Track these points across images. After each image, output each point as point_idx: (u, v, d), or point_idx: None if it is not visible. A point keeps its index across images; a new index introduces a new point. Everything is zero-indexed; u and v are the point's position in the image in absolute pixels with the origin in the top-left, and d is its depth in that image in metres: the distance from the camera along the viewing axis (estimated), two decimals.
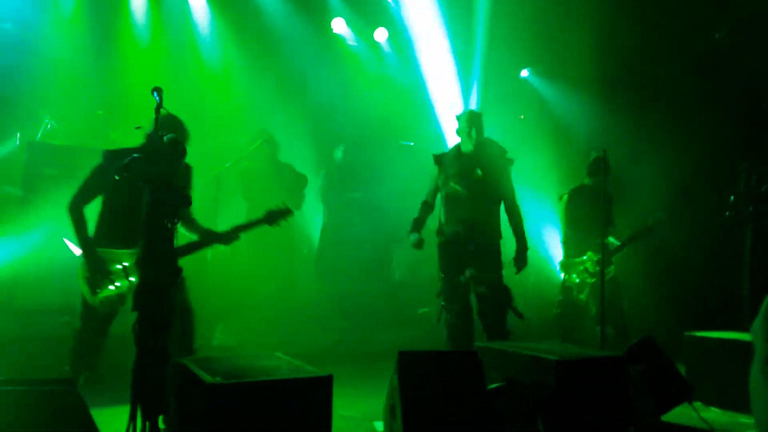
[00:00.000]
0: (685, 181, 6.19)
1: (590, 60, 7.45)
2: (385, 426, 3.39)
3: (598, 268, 5.31)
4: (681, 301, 6.27)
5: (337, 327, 6.57)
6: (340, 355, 5.36)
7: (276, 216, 4.16)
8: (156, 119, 3.17)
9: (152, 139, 3.17)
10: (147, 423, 2.86)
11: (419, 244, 4.67)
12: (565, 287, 5.72)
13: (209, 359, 3.11)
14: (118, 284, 3.81)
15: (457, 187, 4.50)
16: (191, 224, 4.10)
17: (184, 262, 3.26)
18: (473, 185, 4.48)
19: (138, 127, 3.64)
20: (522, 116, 8.85)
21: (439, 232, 4.64)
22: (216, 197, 6.00)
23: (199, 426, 2.69)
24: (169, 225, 3.09)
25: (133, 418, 2.83)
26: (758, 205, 4.82)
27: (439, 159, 4.70)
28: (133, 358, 2.91)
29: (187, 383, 2.87)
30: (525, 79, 8.75)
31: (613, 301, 5.34)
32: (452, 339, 4.58)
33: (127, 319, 3.15)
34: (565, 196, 5.87)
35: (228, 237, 4.04)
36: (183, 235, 3.94)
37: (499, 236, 4.65)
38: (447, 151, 4.76)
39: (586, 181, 5.84)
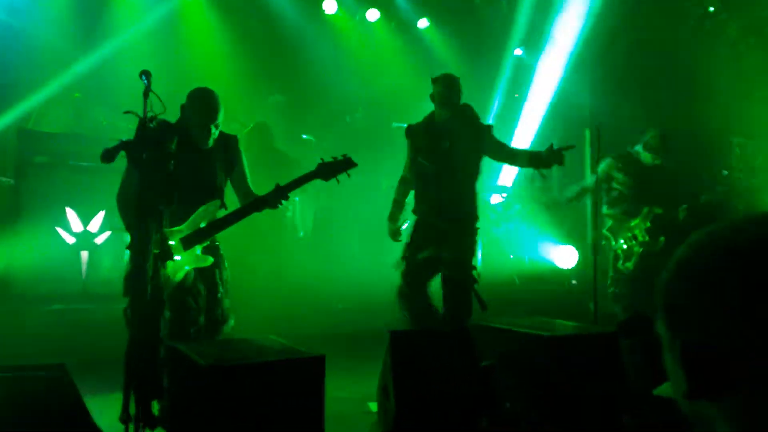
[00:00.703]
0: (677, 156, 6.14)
1: (583, 36, 7.41)
2: (379, 406, 3.41)
3: (648, 238, 5.23)
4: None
5: (333, 309, 6.58)
6: (334, 337, 5.37)
7: (332, 169, 3.63)
8: (144, 103, 3.13)
9: (141, 123, 3.14)
10: (140, 408, 2.87)
11: (395, 236, 4.29)
12: (613, 254, 5.42)
13: (202, 342, 3.12)
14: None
15: (425, 162, 4.11)
16: (246, 195, 3.81)
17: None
18: (440, 159, 4.06)
19: (126, 112, 3.61)
20: (517, 95, 8.81)
21: (414, 210, 4.27)
22: None
23: (193, 409, 2.71)
24: (161, 208, 3.08)
25: (126, 403, 2.84)
26: (751, 179, 4.83)
27: (410, 131, 4.28)
28: (125, 343, 2.91)
29: (180, 367, 2.88)
30: (519, 57, 8.70)
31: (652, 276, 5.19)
32: (406, 309, 4.22)
33: (119, 305, 3.14)
34: (609, 159, 5.52)
35: (275, 198, 3.60)
36: None
37: (475, 216, 4.20)
38: (419, 122, 4.29)
39: (639, 149, 5.52)
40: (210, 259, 3.59)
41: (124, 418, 2.82)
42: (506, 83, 8.59)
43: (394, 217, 4.26)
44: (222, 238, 6.01)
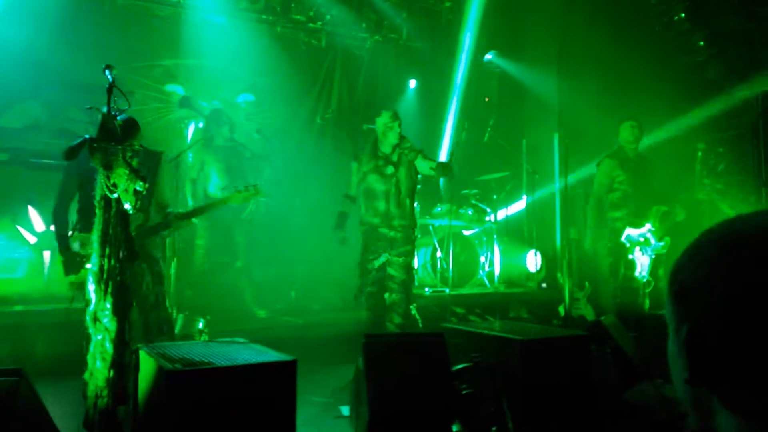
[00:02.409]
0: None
1: (552, 40, 7.49)
2: (352, 410, 3.36)
3: (660, 242, 5.13)
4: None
5: (305, 311, 6.52)
6: (307, 340, 5.31)
7: (243, 197, 4.18)
8: (108, 99, 3.04)
9: (105, 118, 3.05)
10: (104, 412, 2.78)
11: (344, 241, 5.03)
12: (627, 263, 5.22)
13: (169, 346, 3.03)
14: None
15: (374, 184, 4.90)
16: (160, 209, 4.02)
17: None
18: (387, 180, 4.89)
19: (89, 108, 3.50)
20: (487, 98, 8.88)
21: (361, 222, 4.99)
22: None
23: (159, 414, 2.62)
24: (129, 210, 2.99)
25: (88, 408, 2.75)
26: (714, 185, 4.92)
27: (356, 156, 5.09)
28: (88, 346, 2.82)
29: (145, 371, 2.79)
30: (489, 61, 8.76)
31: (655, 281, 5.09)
32: (370, 318, 4.87)
33: (82, 308, 3.04)
34: (607, 159, 5.49)
35: (176, 223, 3.99)
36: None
37: (413, 225, 4.99)
38: (364, 147, 5.11)
39: (621, 144, 5.50)
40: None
41: (89, 424, 2.73)
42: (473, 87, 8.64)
43: (342, 225, 5.03)
44: (190, 238, 5.87)
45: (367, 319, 4.86)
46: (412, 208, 5.01)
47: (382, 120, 4.96)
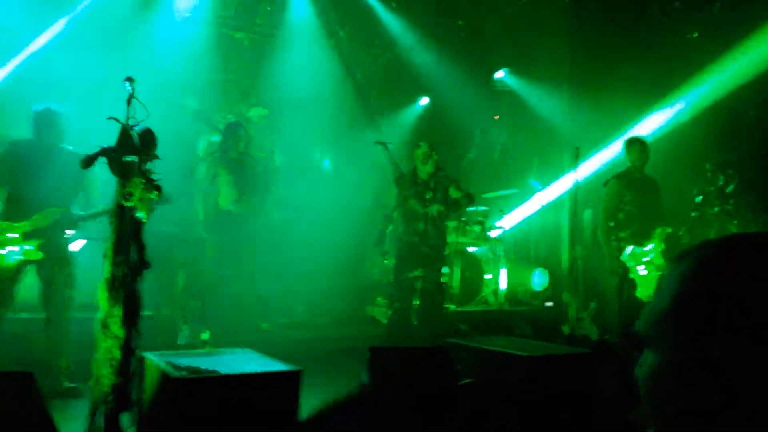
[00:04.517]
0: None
1: (561, 59, 7.54)
2: None
3: (663, 262, 5.10)
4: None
5: (311, 324, 6.53)
6: (312, 352, 5.31)
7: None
8: (127, 109, 3.11)
9: (123, 129, 3.11)
10: (108, 419, 2.79)
11: (385, 254, 5.97)
12: (629, 281, 5.21)
13: (175, 354, 3.05)
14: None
15: (415, 207, 5.52)
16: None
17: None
18: (426, 204, 5.52)
19: (110, 118, 3.56)
20: (497, 116, 8.92)
21: (399, 239, 5.68)
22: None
23: (164, 421, 2.64)
24: (140, 217, 3.04)
25: (93, 413, 2.77)
26: (724, 205, 4.91)
27: (398, 181, 5.68)
28: (95, 353, 2.84)
29: (150, 378, 2.81)
30: (500, 80, 8.81)
31: None
32: (389, 332, 5.52)
33: (89, 314, 3.07)
34: (614, 180, 5.51)
35: (86, 218, 4.28)
36: None
37: (445, 243, 5.79)
38: (405, 173, 5.71)
39: (629, 164, 5.53)
40: (40, 254, 4.09)
41: (92, 430, 2.75)
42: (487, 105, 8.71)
43: (382, 242, 6.03)
44: (195, 254, 5.88)
45: (391, 321, 5.51)
46: (445, 229, 5.74)
47: (422, 150, 5.58)
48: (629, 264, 5.17)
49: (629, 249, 5.19)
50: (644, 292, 5.08)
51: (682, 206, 5.61)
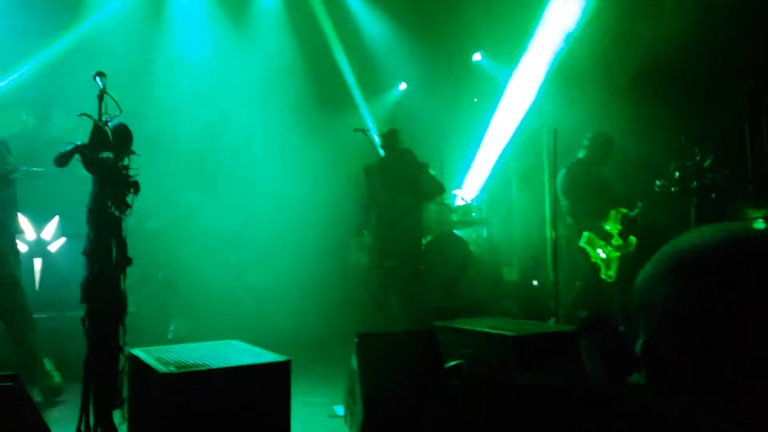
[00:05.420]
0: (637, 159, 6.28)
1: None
2: (346, 409, 3.39)
3: (621, 242, 5.27)
4: (633, 277, 6.42)
5: (296, 312, 6.53)
6: (299, 341, 5.33)
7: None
8: (99, 106, 3.06)
9: (96, 125, 3.06)
10: (100, 418, 2.79)
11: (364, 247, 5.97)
12: (592, 264, 5.36)
13: (163, 349, 3.04)
14: None
15: (384, 196, 5.49)
16: None
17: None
18: (392, 189, 5.49)
19: (81, 114, 3.51)
20: (476, 99, 8.92)
21: (371, 230, 5.68)
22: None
23: (154, 417, 2.64)
24: (117, 213, 3.01)
25: (85, 414, 2.76)
26: (701, 179, 4.98)
27: (366, 170, 5.71)
28: (82, 352, 2.83)
29: (140, 374, 2.81)
30: (478, 63, 8.80)
31: (631, 278, 5.34)
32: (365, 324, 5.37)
33: (74, 313, 3.05)
34: (564, 169, 5.62)
35: None
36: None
37: (420, 230, 5.83)
38: (373, 163, 5.70)
39: (581, 155, 5.66)
40: None
41: (83, 429, 2.75)
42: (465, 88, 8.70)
43: (362, 230, 5.90)
44: (180, 240, 5.87)
45: (368, 312, 5.66)
46: (420, 216, 5.91)
47: (386, 137, 5.67)
48: (587, 249, 5.34)
49: (585, 234, 5.35)
50: (606, 272, 5.31)
51: (645, 185, 5.75)
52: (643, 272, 0.80)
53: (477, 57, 8.75)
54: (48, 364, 3.98)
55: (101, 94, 3.05)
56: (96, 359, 2.85)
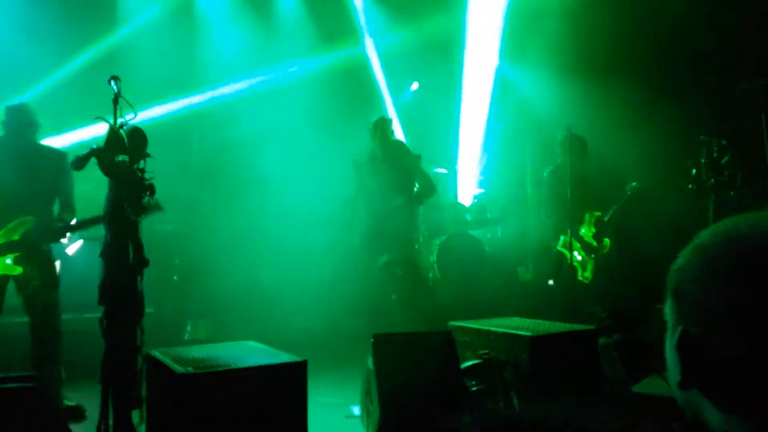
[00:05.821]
0: (652, 157, 6.23)
1: (553, 41, 7.49)
2: (362, 409, 3.39)
3: (596, 244, 5.38)
4: (649, 274, 6.36)
5: (313, 313, 6.53)
6: (316, 342, 5.33)
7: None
8: (114, 109, 3.08)
9: (111, 129, 3.08)
10: (119, 418, 2.81)
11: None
12: (568, 265, 5.44)
13: (181, 350, 3.06)
14: None
15: (372, 186, 5.33)
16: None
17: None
18: (383, 183, 5.30)
19: (97, 117, 3.53)
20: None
21: (360, 224, 5.49)
22: None
23: (172, 417, 2.65)
24: (133, 217, 3.03)
25: (104, 413, 2.78)
26: (719, 177, 4.92)
27: (355, 162, 5.52)
28: (100, 353, 2.85)
29: (158, 375, 2.82)
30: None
31: (607, 277, 5.37)
32: (368, 323, 5.23)
33: (92, 314, 3.08)
34: (551, 167, 5.76)
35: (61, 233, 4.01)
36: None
37: (415, 223, 5.65)
38: (364, 158, 5.52)
39: (560, 159, 5.73)
40: (18, 269, 3.88)
41: (103, 429, 2.77)
42: None
43: (351, 230, 5.73)
44: (195, 242, 5.89)
45: (369, 310, 5.49)
46: (416, 209, 5.72)
47: (373, 126, 5.45)
48: (564, 252, 5.41)
49: (561, 239, 5.42)
50: (582, 274, 5.44)
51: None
52: (683, 259, 0.72)
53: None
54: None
55: (116, 98, 3.07)
56: (114, 360, 2.88)
